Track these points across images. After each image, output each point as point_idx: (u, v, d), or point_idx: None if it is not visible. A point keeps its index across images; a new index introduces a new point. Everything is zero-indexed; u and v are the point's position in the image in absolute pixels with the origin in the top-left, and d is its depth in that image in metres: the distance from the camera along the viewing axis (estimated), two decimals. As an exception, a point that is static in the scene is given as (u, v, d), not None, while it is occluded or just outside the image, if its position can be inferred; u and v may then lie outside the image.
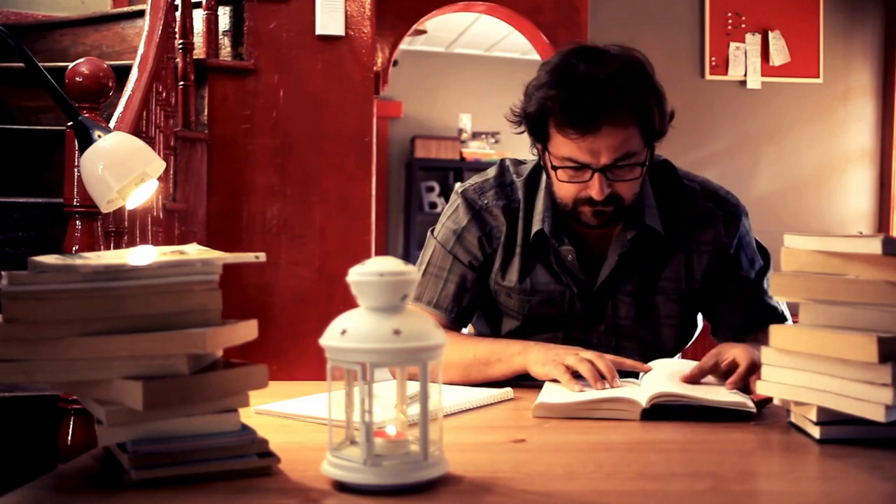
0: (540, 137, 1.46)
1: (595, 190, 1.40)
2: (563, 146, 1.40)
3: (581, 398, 1.21)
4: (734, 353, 1.32)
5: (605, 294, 1.55)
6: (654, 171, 1.56)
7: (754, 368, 1.27)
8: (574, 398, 1.22)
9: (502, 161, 1.65)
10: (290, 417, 1.19)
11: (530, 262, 1.55)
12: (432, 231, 1.64)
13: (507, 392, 1.37)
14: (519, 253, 1.55)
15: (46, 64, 1.56)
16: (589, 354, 1.35)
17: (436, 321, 0.87)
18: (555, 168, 1.43)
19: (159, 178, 1.34)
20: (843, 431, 1.04)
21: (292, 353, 2.82)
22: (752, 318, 1.56)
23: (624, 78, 1.37)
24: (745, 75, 4.42)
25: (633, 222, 1.51)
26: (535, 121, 1.43)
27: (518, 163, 1.64)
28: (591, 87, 1.35)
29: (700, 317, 1.66)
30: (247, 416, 1.04)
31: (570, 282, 1.55)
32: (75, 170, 1.68)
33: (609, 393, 1.23)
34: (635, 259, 1.54)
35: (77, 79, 1.64)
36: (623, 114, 1.37)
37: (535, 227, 1.53)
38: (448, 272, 1.58)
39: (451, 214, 1.61)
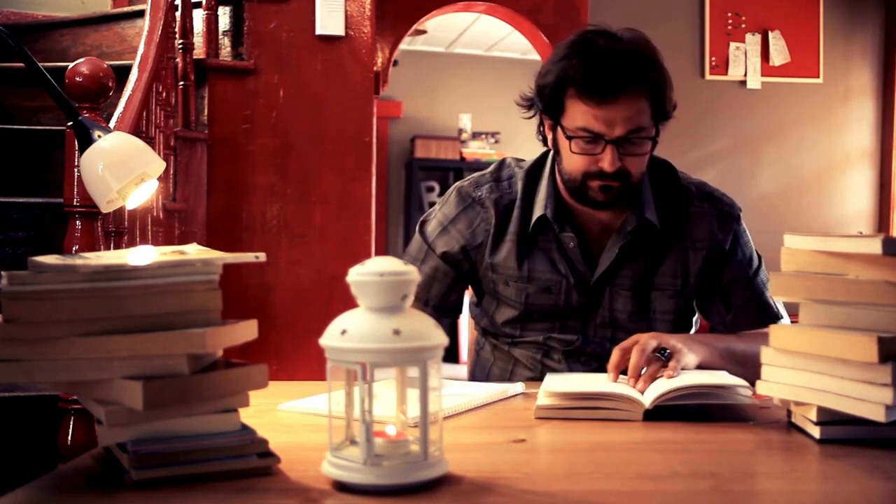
0: (553, 111, 1.49)
1: (607, 161, 1.43)
2: (580, 116, 1.44)
3: (581, 389, 1.22)
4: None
5: (603, 287, 1.57)
6: (653, 170, 1.58)
7: (626, 352, 1.32)
8: (574, 389, 1.22)
9: (504, 159, 1.68)
10: (315, 415, 1.19)
11: (528, 250, 1.57)
12: (421, 223, 1.68)
13: (518, 386, 1.38)
14: (515, 241, 1.58)
15: (46, 64, 1.56)
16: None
17: (434, 322, 0.87)
18: (569, 138, 1.46)
19: (159, 178, 1.34)
20: (843, 431, 1.03)
21: (292, 353, 2.82)
22: (747, 315, 1.58)
23: (640, 53, 1.44)
24: (745, 75, 4.42)
25: (634, 214, 1.53)
26: (552, 92, 1.47)
27: (520, 160, 1.67)
28: (612, 58, 1.41)
29: (697, 316, 1.67)
30: (268, 414, 1.04)
31: (569, 272, 1.56)
32: (75, 170, 1.68)
33: (609, 388, 1.23)
34: (633, 253, 1.55)
35: (77, 79, 1.63)
36: (638, 86, 1.42)
37: (538, 213, 1.55)
38: (421, 262, 1.64)
39: (442, 207, 1.66)
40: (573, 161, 1.48)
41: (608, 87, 1.40)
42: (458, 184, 1.66)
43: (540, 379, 1.42)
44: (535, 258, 1.57)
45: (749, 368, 1.31)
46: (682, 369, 1.32)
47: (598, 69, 1.41)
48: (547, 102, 1.49)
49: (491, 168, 1.66)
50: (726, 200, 1.62)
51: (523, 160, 1.67)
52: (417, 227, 1.68)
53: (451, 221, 1.61)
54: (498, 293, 1.61)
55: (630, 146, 1.44)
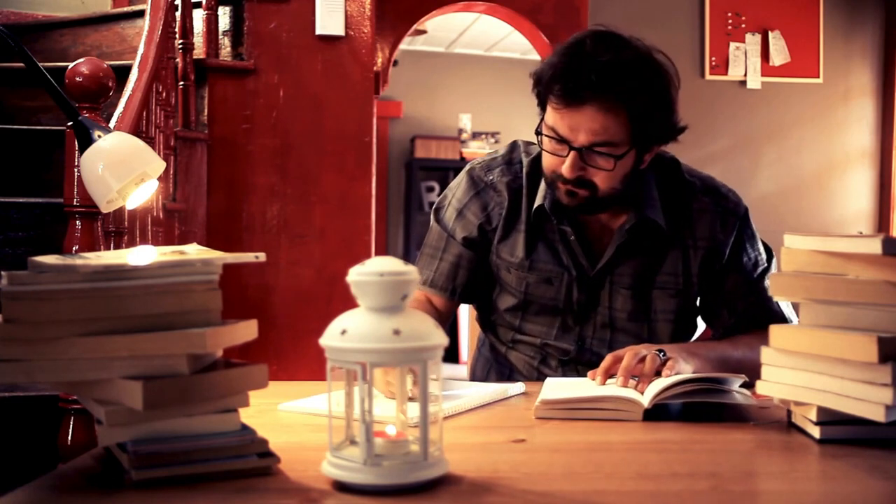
0: (541, 104, 1.49)
1: (566, 167, 1.42)
2: (550, 115, 1.44)
3: (582, 394, 1.21)
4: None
5: (603, 284, 1.56)
6: (659, 166, 1.57)
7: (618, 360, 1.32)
8: (575, 394, 1.22)
9: (515, 141, 1.68)
10: (315, 414, 1.19)
11: (533, 239, 1.57)
12: (435, 210, 1.67)
13: (518, 386, 1.38)
14: (523, 229, 1.57)
15: (46, 64, 1.56)
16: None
17: (434, 322, 0.86)
18: (538, 133, 1.47)
19: (159, 178, 1.34)
20: (843, 431, 1.04)
21: (292, 353, 2.82)
22: (751, 321, 1.55)
23: (625, 67, 1.37)
24: (745, 75, 4.42)
25: (633, 213, 1.52)
26: (536, 86, 1.47)
27: (530, 143, 1.66)
28: (585, 65, 1.37)
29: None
30: (268, 414, 1.04)
31: (571, 264, 1.55)
32: (75, 170, 1.68)
33: (609, 391, 1.23)
34: (634, 251, 1.54)
35: (77, 79, 1.63)
36: (610, 100, 1.37)
37: (537, 202, 1.55)
38: (443, 251, 1.62)
39: (454, 191, 1.65)
40: (545, 158, 1.49)
41: (574, 92, 1.37)
42: (468, 166, 1.66)
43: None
44: (538, 248, 1.57)
45: (747, 375, 1.30)
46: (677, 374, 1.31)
47: (570, 73, 1.38)
48: (536, 96, 1.50)
49: (502, 151, 1.66)
50: (732, 198, 1.58)
51: (533, 143, 1.65)
52: (433, 215, 1.67)
53: (466, 205, 1.61)
54: (500, 278, 1.61)
55: (596, 158, 1.41)
